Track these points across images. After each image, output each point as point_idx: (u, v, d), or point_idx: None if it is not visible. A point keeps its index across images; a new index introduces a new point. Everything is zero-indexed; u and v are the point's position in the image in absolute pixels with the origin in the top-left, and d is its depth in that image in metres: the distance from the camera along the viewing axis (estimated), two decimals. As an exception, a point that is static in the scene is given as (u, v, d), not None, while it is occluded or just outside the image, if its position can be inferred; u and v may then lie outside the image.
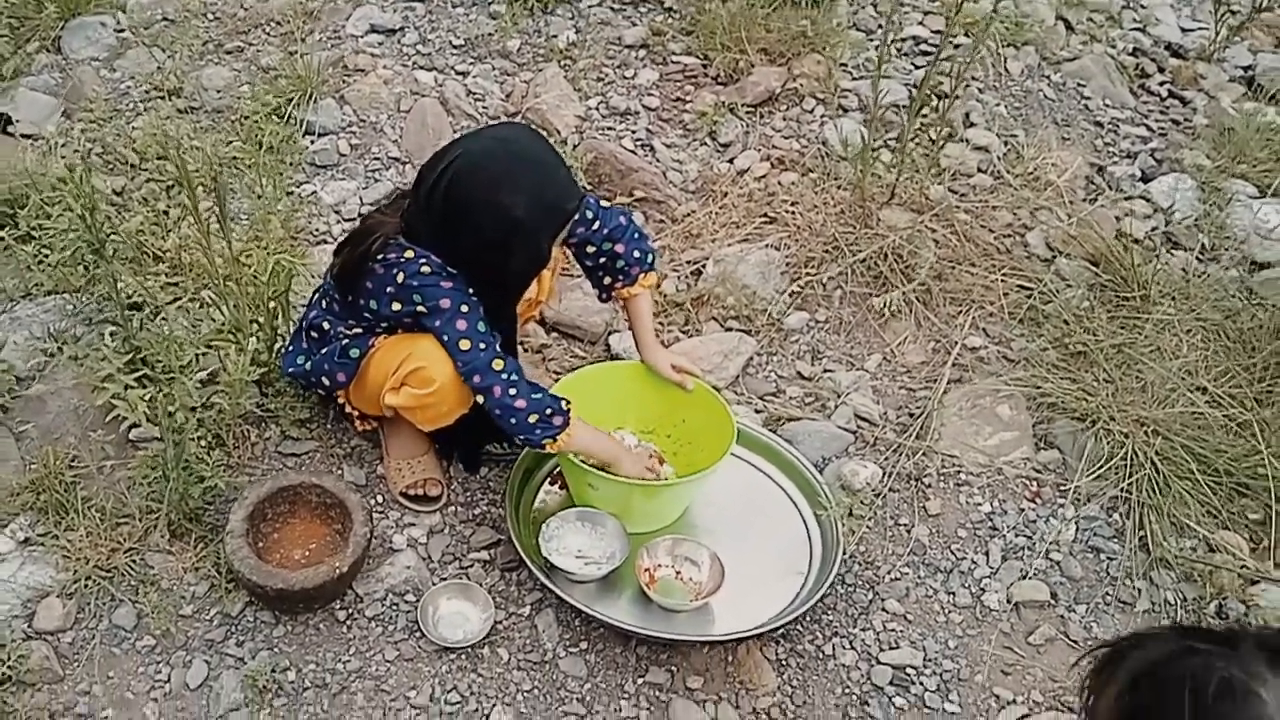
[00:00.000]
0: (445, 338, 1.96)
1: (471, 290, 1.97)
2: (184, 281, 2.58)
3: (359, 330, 2.09)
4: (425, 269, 1.94)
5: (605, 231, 2.16)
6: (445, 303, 1.95)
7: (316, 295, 2.22)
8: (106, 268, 2.06)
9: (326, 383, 2.15)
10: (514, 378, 1.97)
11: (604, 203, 2.20)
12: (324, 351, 2.12)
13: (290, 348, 2.23)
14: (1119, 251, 2.76)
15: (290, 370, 2.21)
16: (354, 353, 2.09)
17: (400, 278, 1.95)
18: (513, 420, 1.98)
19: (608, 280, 2.24)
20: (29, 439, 2.25)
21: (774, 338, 2.66)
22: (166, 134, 2.90)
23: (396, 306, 1.99)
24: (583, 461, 2.08)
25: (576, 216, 2.01)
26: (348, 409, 2.26)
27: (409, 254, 1.96)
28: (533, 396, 1.98)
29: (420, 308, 1.96)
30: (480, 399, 1.99)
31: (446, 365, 1.99)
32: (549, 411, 1.98)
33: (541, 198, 1.91)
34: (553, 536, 2.11)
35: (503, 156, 1.93)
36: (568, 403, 2.01)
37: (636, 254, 2.20)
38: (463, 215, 1.91)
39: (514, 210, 1.89)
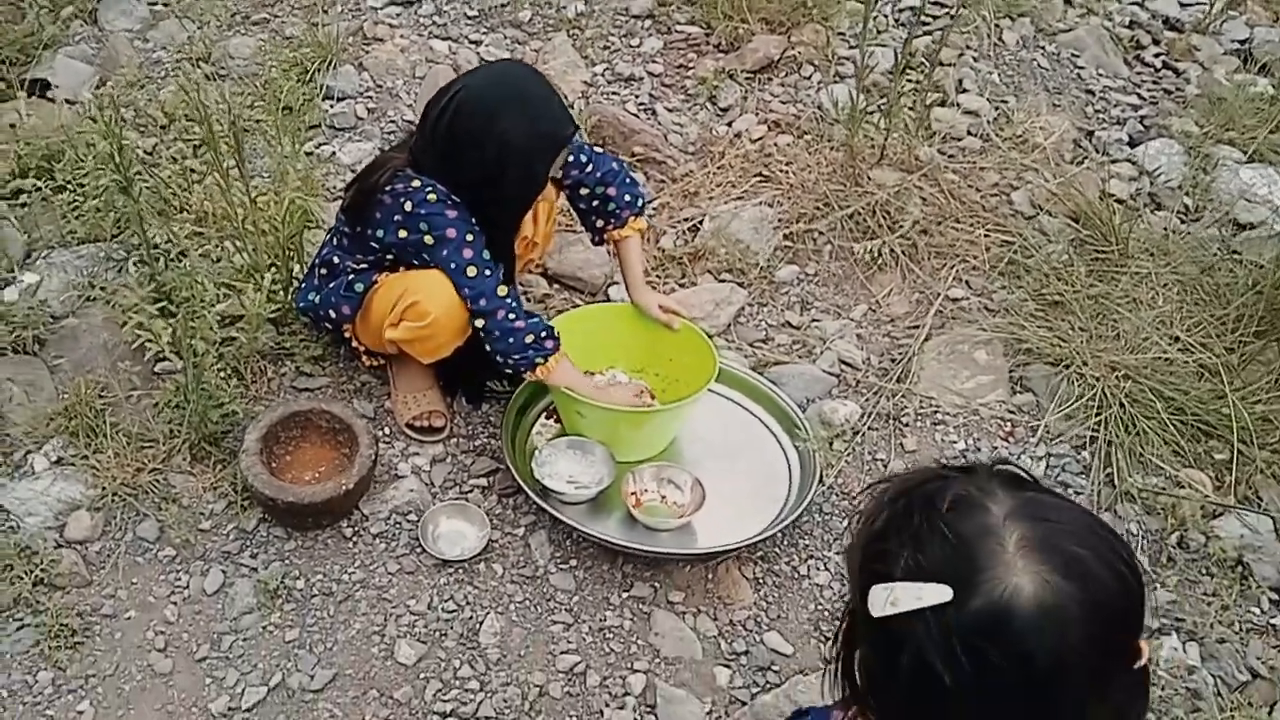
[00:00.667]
0: (452, 265, 2.10)
1: (474, 220, 2.11)
2: (207, 230, 2.74)
3: (365, 265, 2.24)
4: (431, 196, 2.09)
5: (598, 175, 2.30)
6: (451, 232, 2.09)
7: (329, 235, 2.37)
8: (133, 206, 2.22)
9: (334, 315, 2.30)
10: (514, 303, 2.12)
11: (597, 149, 2.34)
12: (331, 285, 2.27)
13: (303, 285, 2.39)
14: (1102, 210, 2.86)
15: (301, 305, 2.37)
16: (359, 287, 2.24)
17: (408, 206, 2.10)
18: (510, 340, 2.11)
19: (600, 223, 2.37)
20: (62, 371, 2.41)
21: (765, 289, 2.78)
22: (193, 95, 3.05)
23: (403, 234, 2.13)
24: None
25: (570, 149, 2.15)
26: (355, 344, 2.40)
27: (416, 183, 2.10)
28: (529, 320, 2.13)
29: (427, 236, 2.10)
30: (480, 322, 2.13)
31: (440, 299, 2.13)
32: (543, 334, 2.12)
33: (536, 125, 2.07)
34: (545, 462, 2.25)
35: (501, 88, 2.09)
36: (556, 331, 2.15)
37: (627, 198, 2.33)
38: (464, 141, 2.07)
39: (510, 135, 2.04)
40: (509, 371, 2.21)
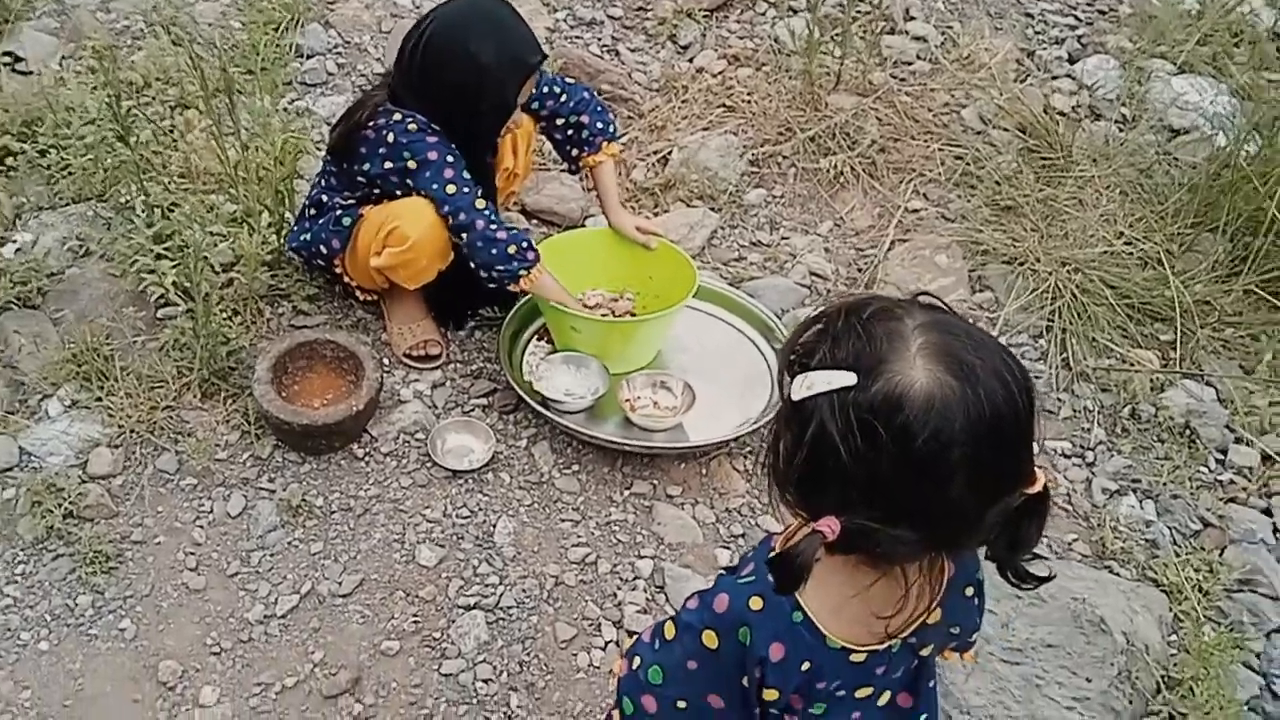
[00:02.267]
0: (434, 186, 2.23)
1: (453, 145, 2.23)
2: (193, 185, 2.82)
3: (352, 200, 2.35)
4: (412, 126, 2.21)
5: (571, 104, 2.43)
6: (433, 155, 2.22)
7: (317, 176, 2.47)
8: (131, 155, 2.30)
9: (324, 251, 2.41)
10: (494, 215, 2.25)
11: (569, 80, 2.46)
12: (321, 222, 2.38)
13: (295, 228, 2.49)
14: (1046, 122, 3.03)
15: (293, 245, 2.47)
16: (346, 221, 2.35)
17: (390, 137, 2.22)
18: (494, 251, 2.23)
19: (575, 151, 2.50)
20: (66, 321, 2.49)
21: (735, 212, 2.93)
22: (174, 55, 3.12)
23: (388, 165, 2.25)
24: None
25: (539, 76, 2.27)
26: (347, 280, 2.51)
27: (396, 116, 2.23)
28: (511, 231, 2.26)
29: (410, 163, 2.23)
30: (464, 236, 2.25)
31: (418, 223, 2.25)
32: (524, 245, 2.25)
33: (506, 48, 2.21)
34: (543, 377, 2.38)
35: (472, 16, 2.22)
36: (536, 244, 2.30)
37: (600, 125, 2.47)
38: (438, 67, 2.20)
39: (482, 58, 2.17)
40: (493, 285, 2.32)
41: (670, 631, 1.19)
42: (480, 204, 2.24)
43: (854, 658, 1.14)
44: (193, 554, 2.13)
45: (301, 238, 2.46)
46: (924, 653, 1.22)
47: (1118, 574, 2.17)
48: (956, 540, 1.07)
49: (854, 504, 1.01)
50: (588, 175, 2.59)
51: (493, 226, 2.24)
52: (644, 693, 1.19)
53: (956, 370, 0.98)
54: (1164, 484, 2.33)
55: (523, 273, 2.27)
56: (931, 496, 0.99)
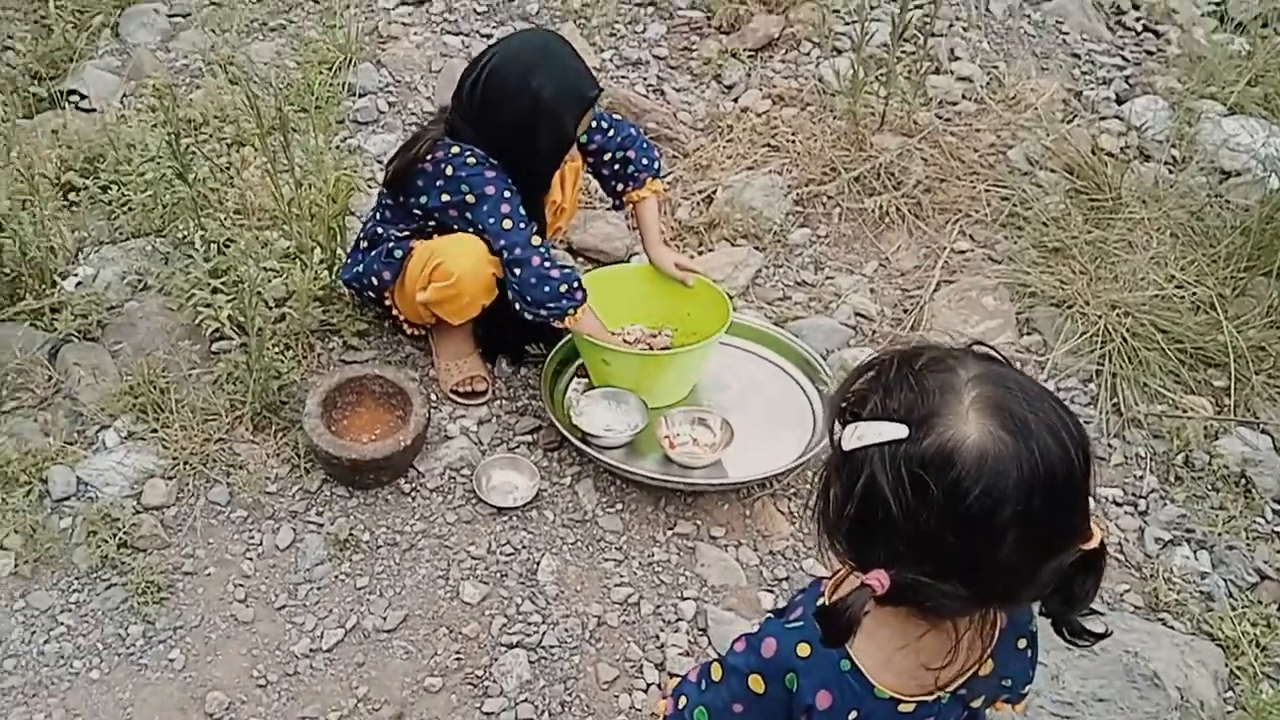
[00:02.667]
0: (490, 220, 2.26)
1: (510, 180, 2.28)
2: (248, 221, 2.88)
3: (407, 233, 2.40)
4: (470, 160, 2.26)
5: (619, 139, 2.48)
6: (490, 190, 2.26)
7: (372, 210, 2.52)
8: (189, 191, 2.36)
9: (375, 283, 2.45)
10: (548, 252, 2.29)
11: (616, 116, 2.50)
12: (373, 254, 2.43)
13: (349, 260, 2.53)
14: (1094, 163, 3.02)
15: (346, 277, 2.52)
16: (398, 253, 2.40)
17: (449, 171, 2.26)
18: (546, 289, 2.26)
19: (620, 186, 2.54)
20: (124, 354, 2.55)
21: (780, 251, 2.94)
22: (230, 95, 3.20)
23: (445, 198, 2.29)
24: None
25: (595, 109, 2.30)
26: (395, 313, 2.55)
27: (455, 150, 2.27)
28: (564, 269, 2.29)
29: (469, 196, 2.27)
30: (517, 271, 2.28)
31: (464, 259, 2.29)
32: (575, 284, 2.29)
33: (565, 82, 2.25)
34: (583, 412, 2.40)
35: (532, 50, 2.29)
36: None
37: (645, 160, 2.51)
38: (498, 100, 2.24)
39: (542, 92, 2.22)
40: (537, 321, 2.34)
41: (717, 673, 1.19)
42: (535, 240, 2.28)
43: (902, 708, 1.13)
44: (242, 586, 2.16)
45: (354, 269, 2.50)
46: (974, 704, 1.20)
47: (1172, 627, 2.13)
48: (1009, 597, 1.06)
49: (903, 558, 1.00)
50: (631, 212, 2.61)
51: (547, 264, 2.27)
52: None
53: (1010, 425, 0.96)
54: (1219, 534, 2.29)
55: (570, 311, 2.29)
56: (983, 553, 0.98)
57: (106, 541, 2.16)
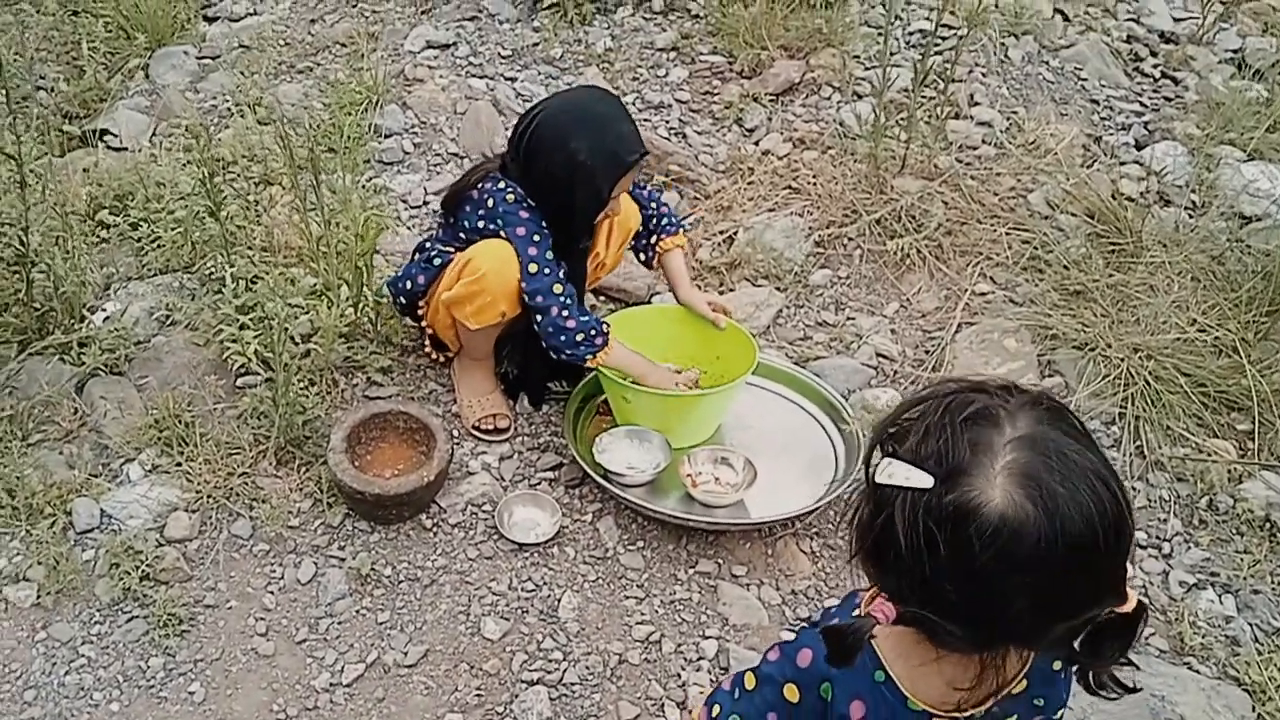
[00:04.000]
0: (519, 257, 2.29)
1: (546, 224, 2.34)
2: (274, 259, 2.91)
3: (451, 250, 2.46)
4: (510, 197, 2.33)
5: (647, 194, 2.59)
6: (521, 230, 2.32)
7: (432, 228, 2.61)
8: (219, 229, 2.40)
9: (409, 286, 2.50)
10: (569, 301, 2.30)
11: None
12: (416, 259, 2.52)
13: (398, 272, 2.60)
14: (1114, 207, 3.03)
15: (388, 282, 2.59)
16: (437, 261, 2.46)
17: (490, 203, 2.35)
18: (563, 338, 2.30)
19: (654, 239, 2.60)
20: (150, 388, 2.57)
21: (801, 292, 2.95)
22: (260, 134, 3.25)
23: (482, 225, 2.37)
24: (621, 378, 2.39)
25: (638, 169, 2.37)
26: (424, 324, 2.58)
27: (500, 184, 2.36)
28: (581, 319, 2.31)
29: (501, 231, 2.33)
30: (538, 317, 2.32)
31: (492, 258, 2.32)
32: (593, 332, 2.31)
33: (603, 147, 2.30)
34: (605, 450, 2.40)
35: (576, 110, 2.35)
36: (608, 325, 2.35)
37: (672, 215, 2.62)
38: (538, 155, 2.31)
39: (578, 155, 2.27)
40: (563, 360, 2.37)
41: (751, 682, 1.20)
42: (558, 288, 2.30)
43: None
44: (263, 619, 2.16)
45: (398, 275, 2.57)
46: None
47: (1197, 671, 2.10)
48: (1021, 645, 1.07)
49: (910, 596, 1.02)
50: (659, 263, 2.65)
51: (565, 314, 2.30)
52: None
53: (1036, 497, 0.96)
54: (1244, 578, 2.26)
55: (589, 356, 2.32)
56: (987, 608, 0.99)
57: (129, 574, 2.16)
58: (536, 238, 2.31)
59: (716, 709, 1.22)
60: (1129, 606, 1.02)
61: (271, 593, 2.21)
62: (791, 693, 1.15)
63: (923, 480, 0.99)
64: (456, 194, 2.43)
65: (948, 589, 0.98)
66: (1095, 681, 1.10)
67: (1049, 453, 0.98)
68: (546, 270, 2.31)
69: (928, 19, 3.85)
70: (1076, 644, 1.07)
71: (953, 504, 0.97)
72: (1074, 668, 1.14)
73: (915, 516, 0.98)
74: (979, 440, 0.99)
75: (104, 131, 3.46)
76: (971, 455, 0.98)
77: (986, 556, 0.95)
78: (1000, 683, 1.10)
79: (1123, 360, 2.61)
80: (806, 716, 1.15)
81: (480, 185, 2.37)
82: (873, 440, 1.08)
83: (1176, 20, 4.09)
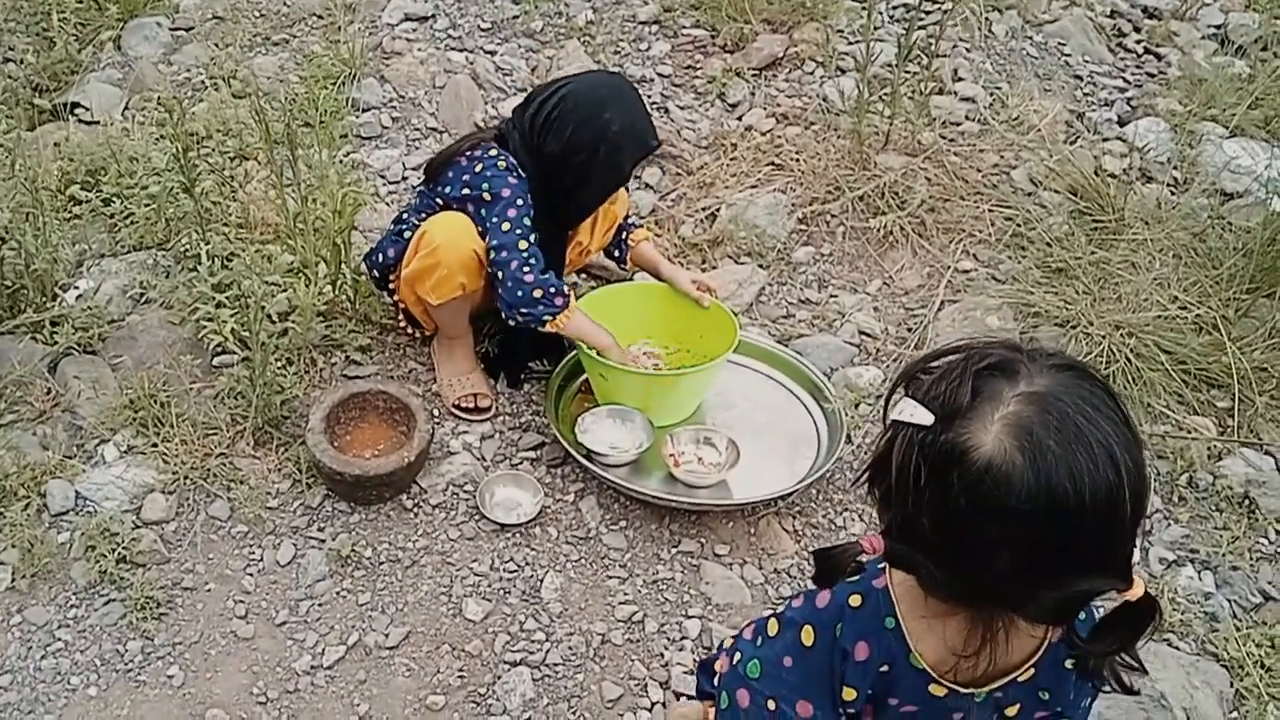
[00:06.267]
0: (494, 220, 2.30)
1: (529, 197, 2.32)
2: (250, 236, 2.87)
3: (422, 219, 2.42)
4: (502, 163, 2.32)
5: None
6: (506, 192, 2.30)
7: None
8: (194, 205, 2.35)
9: (380, 259, 2.49)
10: (531, 259, 2.29)
11: None
12: (389, 232, 2.50)
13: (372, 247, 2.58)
14: (1097, 184, 3.02)
15: (365, 258, 2.57)
16: (406, 234, 2.44)
17: (478, 167, 2.33)
18: (519, 293, 2.28)
19: (623, 235, 2.63)
20: (124, 368, 2.53)
21: (783, 269, 2.93)
22: (235, 108, 3.19)
23: (465, 192, 2.34)
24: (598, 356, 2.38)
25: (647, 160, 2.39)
26: (397, 299, 2.55)
27: (493, 151, 2.35)
28: (541, 276, 2.29)
29: (485, 193, 2.31)
30: (499, 274, 2.30)
31: (446, 230, 2.32)
32: (552, 290, 2.30)
33: (635, 125, 2.33)
34: (588, 429, 2.39)
35: (611, 87, 2.38)
36: (570, 289, 2.35)
37: (629, 217, 2.65)
38: (565, 121, 2.29)
39: (611, 125, 2.28)
40: (514, 324, 2.36)
41: (773, 628, 1.22)
42: (523, 245, 2.29)
43: (933, 688, 1.15)
44: (242, 601, 2.14)
45: (373, 248, 2.55)
46: (1009, 712, 1.20)
47: (1176, 648, 2.11)
48: (1006, 606, 1.06)
49: (894, 531, 1.06)
50: (632, 261, 2.66)
51: (525, 269, 2.28)
52: (740, 686, 1.21)
53: (1027, 450, 0.96)
54: (1223, 555, 2.28)
55: (547, 317, 2.30)
56: (968, 556, 1.01)
57: (105, 556, 2.14)
58: (520, 202, 2.30)
59: (738, 655, 1.23)
60: (1134, 594, 1.01)
61: (251, 575, 2.19)
62: (807, 635, 1.18)
63: (924, 418, 1.01)
64: (444, 160, 2.40)
65: (924, 524, 1.01)
66: (1093, 670, 1.11)
67: (1052, 411, 0.98)
68: (518, 231, 2.29)
69: (911, -7, 3.82)
70: (1074, 626, 1.08)
71: (946, 443, 0.99)
72: (1072, 649, 1.14)
73: (911, 451, 1.01)
74: (989, 389, 1.01)
75: (75, 105, 3.39)
76: (975, 401, 1.00)
77: (966, 499, 0.97)
78: (1000, 661, 1.10)
79: (1104, 337, 2.61)
80: (818, 661, 1.17)
81: (469, 152, 2.35)
82: (898, 378, 1.10)
83: (1160, -5, 4.07)
